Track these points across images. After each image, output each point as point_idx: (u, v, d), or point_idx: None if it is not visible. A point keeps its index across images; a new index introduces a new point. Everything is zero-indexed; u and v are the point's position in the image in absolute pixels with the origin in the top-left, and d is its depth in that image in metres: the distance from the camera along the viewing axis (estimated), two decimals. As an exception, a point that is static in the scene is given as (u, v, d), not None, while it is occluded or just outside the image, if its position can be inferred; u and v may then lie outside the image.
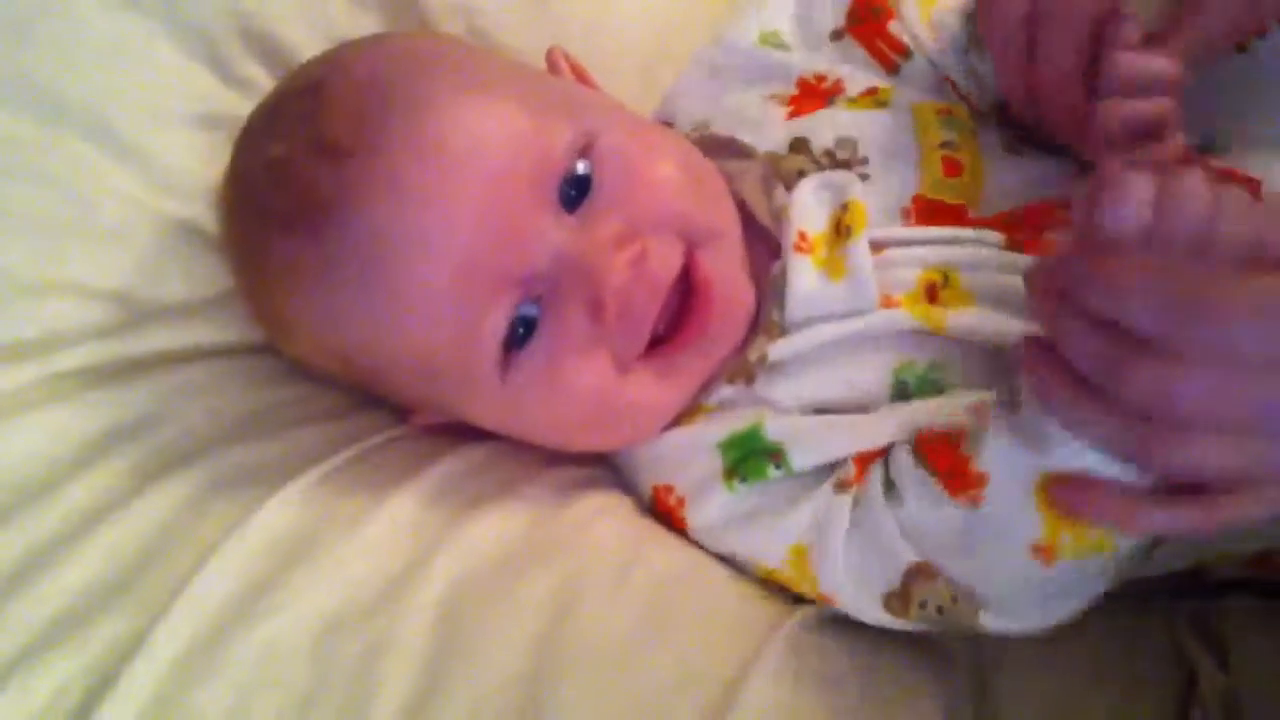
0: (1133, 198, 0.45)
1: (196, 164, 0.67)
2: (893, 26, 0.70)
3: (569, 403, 0.61)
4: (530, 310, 0.59)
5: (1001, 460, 0.54)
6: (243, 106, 0.66)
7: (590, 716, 0.55)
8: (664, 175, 0.61)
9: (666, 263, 0.60)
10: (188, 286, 0.66)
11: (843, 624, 0.61)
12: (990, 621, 0.58)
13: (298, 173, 0.59)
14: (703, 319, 0.61)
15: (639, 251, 0.59)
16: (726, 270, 0.62)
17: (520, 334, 0.59)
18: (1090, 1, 0.59)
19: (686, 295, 0.61)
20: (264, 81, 0.69)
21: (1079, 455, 0.50)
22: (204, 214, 0.67)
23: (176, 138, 0.68)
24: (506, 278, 0.58)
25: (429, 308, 0.58)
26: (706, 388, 0.64)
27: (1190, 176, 0.46)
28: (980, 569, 0.57)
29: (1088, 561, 0.55)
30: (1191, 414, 0.45)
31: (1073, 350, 0.47)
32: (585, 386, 0.60)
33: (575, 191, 0.59)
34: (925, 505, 0.57)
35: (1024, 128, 0.66)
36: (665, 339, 0.62)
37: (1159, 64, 0.57)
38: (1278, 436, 0.45)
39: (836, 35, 0.72)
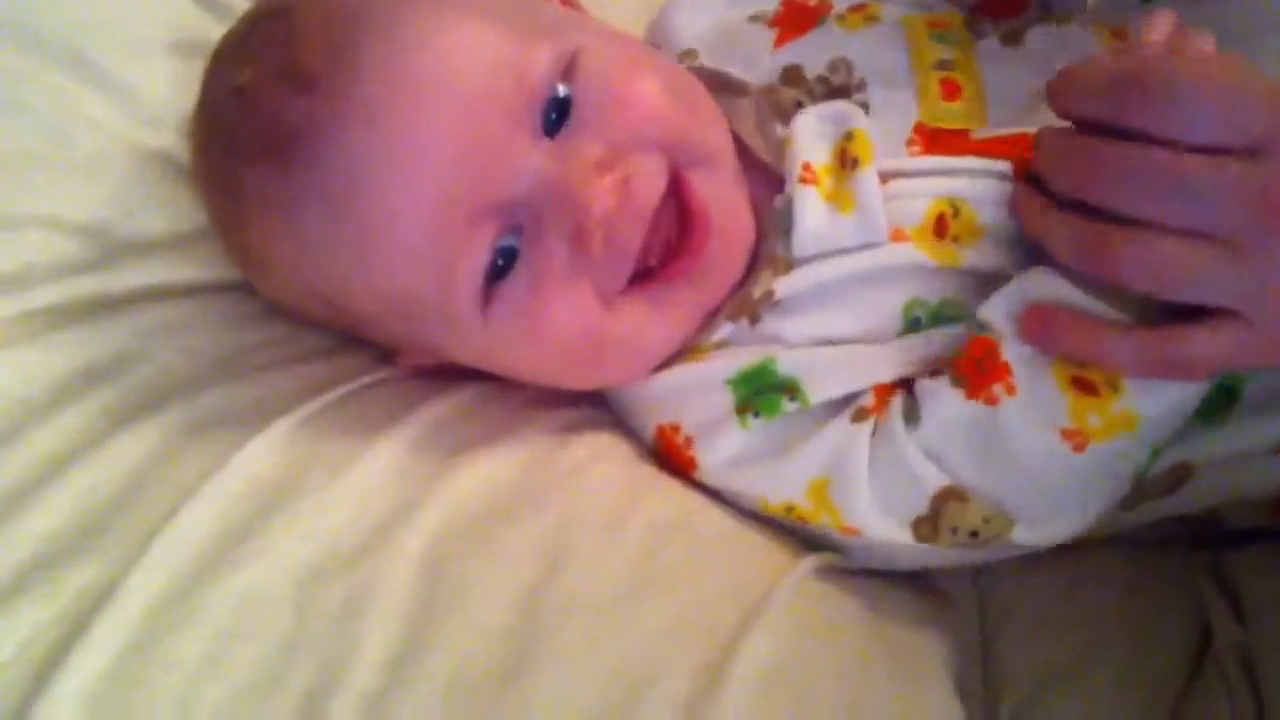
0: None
1: (175, 93, 0.65)
2: None
3: (552, 337, 0.58)
4: (510, 241, 0.57)
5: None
6: (219, 32, 0.63)
7: (582, 671, 0.53)
8: (647, 91, 0.59)
9: (651, 184, 0.57)
10: (165, 221, 0.64)
11: (846, 576, 0.60)
12: (1023, 534, 0.57)
13: (266, 101, 0.56)
14: (698, 246, 0.59)
15: (622, 175, 0.56)
16: (723, 195, 0.59)
17: (500, 266, 0.57)
18: None
19: (683, 223, 0.59)
20: (244, 7, 0.66)
21: (1050, 282, 0.54)
22: (183, 146, 0.65)
23: (155, 66, 0.66)
24: (484, 207, 0.55)
25: (405, 240, 0.55)
26: (706, 325, 0.61)
27: None
28: (1008, 473, 0.56)
29: (1115, 444, 0.55)
30: (1137, 181, 0.50)
31: (1047, 151, 0.54)
32: (568, 319, 0.58)
33: (556, 115, 0.57)
34: (946, 415, 0.56)
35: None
36: (664, 263, 0.59)
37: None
38: (1222, 240, 0.50)
39: None
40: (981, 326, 0.56)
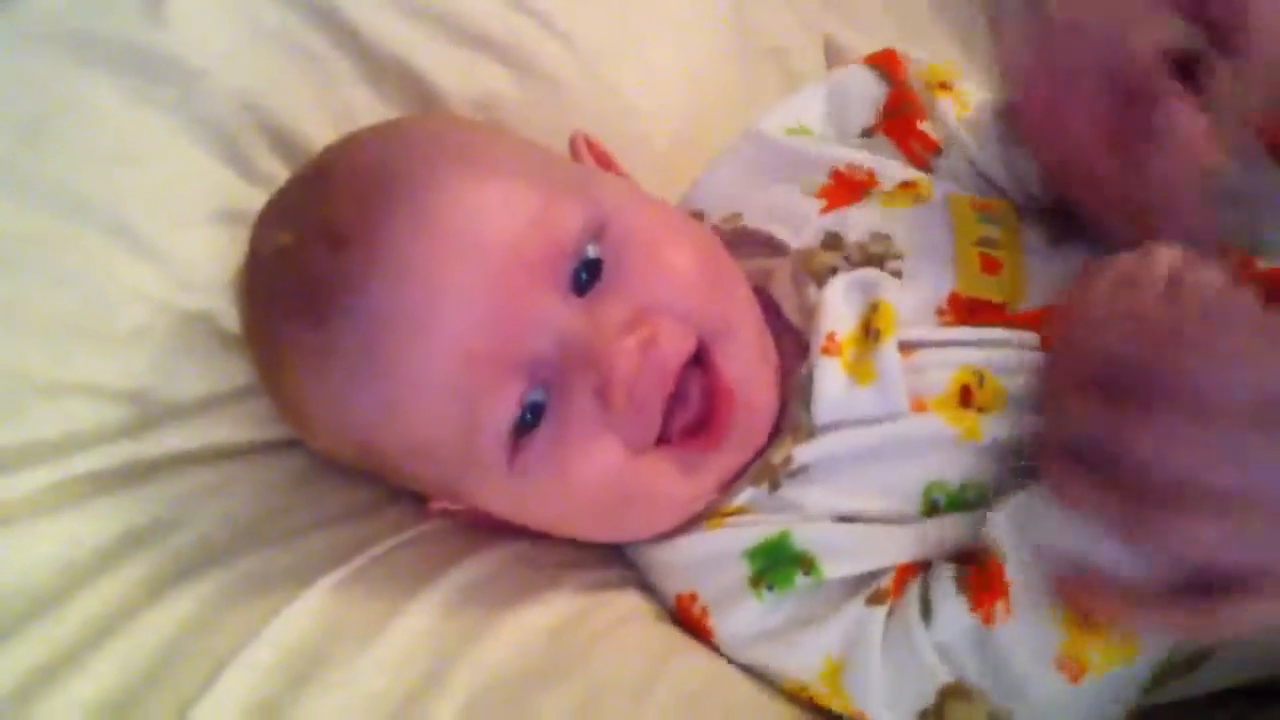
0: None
1: (216, 261, 0.67)
2: (924, 124, 0.69)
3: (578, 489, 0.59)
4: (538, 397, 0.58)
5: (1026, 567, 0.54)
6: (262, 202, 0.66)
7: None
8: (677, 263, 0.60)
9: (676, 347, 0.58)
10: (204, 384, 0.65)
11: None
12: None
13: (303, 260, 0.58)
14: (723, 420, 0.60)
15: (648, 336, 0.57)
16: (742, 370, 0.60)
17: (528, 420, 0.58)
18: (1111, 64, 0.58)
19: (708, 398, 0.60)
20: (283, 176, 0.68)
21: (1085, 543, 0.52)
22: (222, 310, 0.66)
23: (195, 235, 0.67)
24: (511, 363, 0.56)
25: (431, 394, 0.56)
26: (727, 489, 0.62)
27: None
28: (1010, 686, 0.55)
29: (1113, 674, 0.54)
30: (1169, 466, 0.48)
31: (1066, 416, 0.52)
32: (594, 472, 0.58)
33: (586, 275, 0.58)
34: (953, 622, 0.56)
35: (1072, 219, 0.65)
36: (691, 434, 0.60)
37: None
38: (1263, 508, 0.47)
39: (868, 132, 0.71)
40: (987, 545, 0.56)
